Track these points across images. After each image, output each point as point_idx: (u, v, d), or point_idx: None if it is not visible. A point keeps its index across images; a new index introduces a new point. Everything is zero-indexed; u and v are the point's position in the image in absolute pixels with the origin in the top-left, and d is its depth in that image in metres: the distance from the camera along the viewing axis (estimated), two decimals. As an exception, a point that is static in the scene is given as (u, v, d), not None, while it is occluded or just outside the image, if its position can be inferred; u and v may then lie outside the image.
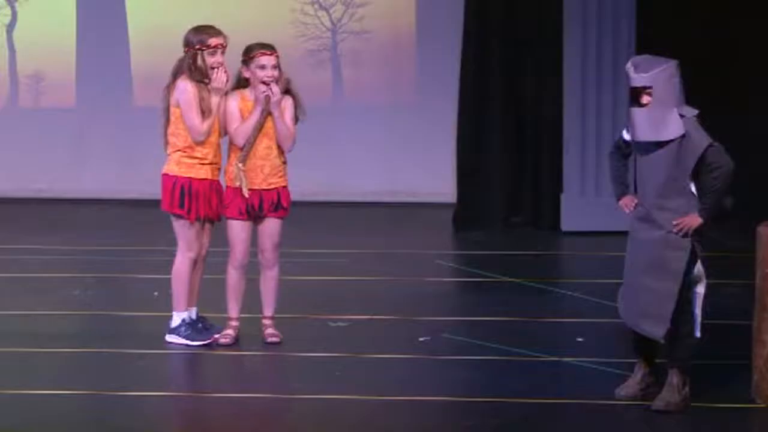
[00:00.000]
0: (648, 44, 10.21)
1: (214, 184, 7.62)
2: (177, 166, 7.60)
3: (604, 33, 11.86)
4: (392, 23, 14.64)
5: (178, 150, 7.59)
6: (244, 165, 7.52)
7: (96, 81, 14.59)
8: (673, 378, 6.30)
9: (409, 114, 14.35)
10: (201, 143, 7.54)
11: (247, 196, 7.52)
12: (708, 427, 6.32)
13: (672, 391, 6.28)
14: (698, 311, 6.32)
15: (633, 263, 6.40)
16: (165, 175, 7.64)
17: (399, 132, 14.22)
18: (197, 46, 7.52)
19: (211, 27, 7.64)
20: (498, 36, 12.68)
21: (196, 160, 7.56)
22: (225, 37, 7.62)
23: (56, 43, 14.27)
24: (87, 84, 14.68)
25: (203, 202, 7.57)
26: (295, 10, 14.40)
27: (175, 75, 7.58)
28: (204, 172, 7.57)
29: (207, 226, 7.72)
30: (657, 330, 6.24)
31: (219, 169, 7.67)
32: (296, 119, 7.68)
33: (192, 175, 7.54)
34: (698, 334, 6.31)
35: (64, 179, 14.30)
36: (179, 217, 7.59)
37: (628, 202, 6.44)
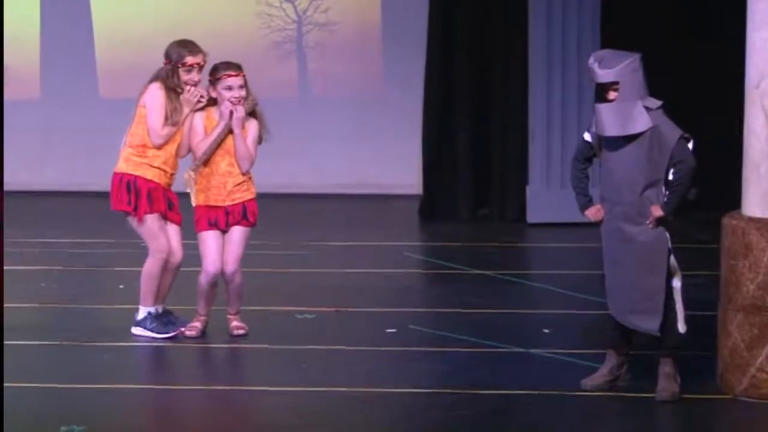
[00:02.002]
0: (612, 38, 10.29)
1: (161, 188, 7.59)
2: (125, 163, 7.60)
3: (569, 25, 11.89)
4: (358, 15, 14.61)
5: (130, 147, 7.60)
6: (194, 173, 7.61)
7: (61, 73, 14.51)
8: (667, 368, 6.34)
9: (374, 106, 14.35)
10: (156, 147, 7.53)
11: (193, 204, 7.62)
12: (676, 418, 6.35)
13: (670, 380, 6.32)
14: (680, 305, 6.35)
15: (616, 261, 6.37)
16: (114, 173, 7.65)
17: (365, 124, 14.21)
18: (175, 62, 7.53)
19: (191, 44, 7.63)
20: (463, 28, 12.72)
21: (146, 160, 7.55)
22: (204, 54, 7.63)
23: (20, 34, 14.12)
24: (52, 76, 14.62)
25: (149, 199, 7.53)
26: (260, 2, 14.32)
27: (151, 80, 7.59)
28: (151, 174, 7.55)
29: (172, 230, 7.70)
30: (651, 324, 6.27)
31: (169, 179, 7.65)
32: (260, 140, 7.72)
33: (138, 173, 7.53)
34: (683, 329, 6.34)
35: (29, 172, 14.23)
36: (128, 214, 7.59)
37: (595, 213, 6.40)
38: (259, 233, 8.13)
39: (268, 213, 8.18)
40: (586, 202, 6.48)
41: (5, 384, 6.50)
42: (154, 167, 7.54)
